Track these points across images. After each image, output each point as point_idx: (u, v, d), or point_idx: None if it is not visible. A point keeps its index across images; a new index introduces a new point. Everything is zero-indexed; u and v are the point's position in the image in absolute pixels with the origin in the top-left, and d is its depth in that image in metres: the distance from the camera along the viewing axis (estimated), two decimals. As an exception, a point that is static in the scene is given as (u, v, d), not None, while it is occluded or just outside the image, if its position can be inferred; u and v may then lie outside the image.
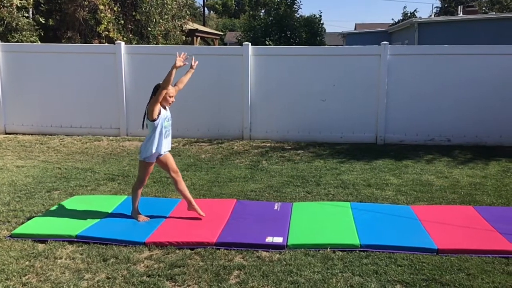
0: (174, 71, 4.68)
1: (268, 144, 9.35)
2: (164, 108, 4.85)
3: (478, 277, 3.69)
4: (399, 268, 3.84)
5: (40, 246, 4.28)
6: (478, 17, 18.47)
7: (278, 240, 4.33)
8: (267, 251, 4.17)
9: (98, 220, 4.84)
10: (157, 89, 4.76)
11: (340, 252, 4.13)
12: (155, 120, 4.73)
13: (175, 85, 4.99)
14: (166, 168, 4.90)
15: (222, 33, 35.53)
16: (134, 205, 4.90)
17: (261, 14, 25.22)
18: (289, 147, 9.11)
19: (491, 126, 9.28)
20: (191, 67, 5.19)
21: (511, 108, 9.21)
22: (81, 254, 4.12)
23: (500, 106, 9.23)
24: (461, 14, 21.84)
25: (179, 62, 4.75)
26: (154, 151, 4.75)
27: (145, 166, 4.84)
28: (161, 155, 4.82)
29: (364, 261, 3.97)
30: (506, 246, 4.19)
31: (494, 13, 26.94)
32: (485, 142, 9.27)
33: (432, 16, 30.10)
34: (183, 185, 4.95)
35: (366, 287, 3.53)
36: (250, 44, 9.78)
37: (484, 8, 32.84)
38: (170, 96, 4.84)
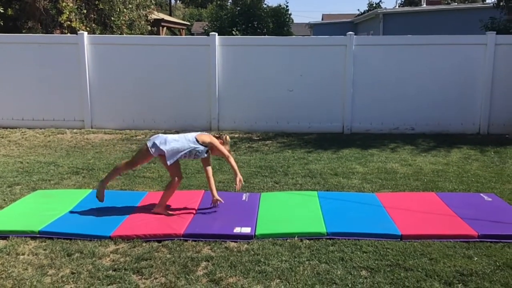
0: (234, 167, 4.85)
1: (237, 135, 9.33)
2: (208, 151, 4.83)
3: (440, 261, 3.79)
4: (364, 254, 3.92)
5: (1, 243, 4.16)
6: (441, 8, 18.88)
7: (246, 230, 4.34)
8: (235, 242, 4.17)
9: (62, 214, 4.73)
10: (221, 137, 4.93)
11: (307, 241, 4.17)
12: (199, 144, 4.72)
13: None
14: (170, 171, 4.82)
15: (189, 23, 35.11)
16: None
17: (228, 4, 25.06)
18: (258, 138, 9.12)
19: (453, 114, 9.54)
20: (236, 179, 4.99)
21: (472, 96, 9.50)
22: (45, 250, 4.02)
23: (462, 94, 9.50)
24: (425, 5, 22.29)
25: (239, 185, 4.85)
26: (169, 149, 4.64)
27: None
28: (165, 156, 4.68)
29: (331, 248, 4.03)
30: (467, 230, 4.32)
31: (456, 4, 27.58)
32: (447, 130, 9.53)
33: (397, 7, 30.56)
34: (173, 191, 4.84)
35: (332, 274, 3.58)
36: (216, 34, 9.71)
37: (447, -1, 33.53)
38: (217, 153, 4.90)
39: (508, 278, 3.51)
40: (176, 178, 4.81)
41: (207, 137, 4.82)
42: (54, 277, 3.57)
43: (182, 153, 4.70)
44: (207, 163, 4.91)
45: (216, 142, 4.82)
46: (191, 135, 4.82)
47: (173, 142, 4.70)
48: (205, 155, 4.84)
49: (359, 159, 7.33)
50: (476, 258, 3.84)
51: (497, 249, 4.01)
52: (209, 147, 4.81)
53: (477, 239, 4.18)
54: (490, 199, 5.26)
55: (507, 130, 9.39)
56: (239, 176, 4.84)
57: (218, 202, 4.89)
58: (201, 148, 4.76)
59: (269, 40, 10.49)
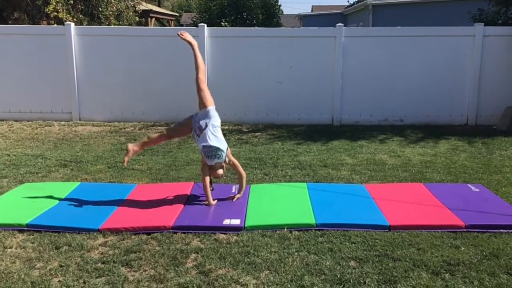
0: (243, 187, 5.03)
1: (226, 127, 9.31)
2: (215, 164, 4.80)
3: (428, 251, 3.83)
4: (353, 245, 3.94)
5: (-12, 236, 4.12)
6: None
7: (236, 222, 4.34)
8: (224, 234, 4.17)
9: (50, 207, 4.69)
10: None
11: (297, 232, 4.19)
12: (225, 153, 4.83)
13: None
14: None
15: (177, 14, 34.82)
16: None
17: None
18: (247, 130, 9.11)
19: (441, 106, 9.60)
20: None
21: (461, 88, 9.56)
22: (32, 243, 3.99)
23: (450, 86, 9.56)
24: (414, -3, 22.25)
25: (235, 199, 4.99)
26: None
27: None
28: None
29: (320, 239, 4.05)
30: (454, 221, 4.36)
31: (445, -5, 27.60)
32: (435, 121, 9.59)
33: (386, -2, 30.53)
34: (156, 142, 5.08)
35: (321, 265, 3.60)
36: (205, 25, 9.64)
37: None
38: (215, 172, 4.85)
39: (495, 268, 3.56)
40: (165, 135, 5.10)
41: (230, 154, 4.93)
42: (42, 270, 3.55)
43: (215, 148, 4.70)
44: (206, 172, 4.84)
45: (236, 162, 4.98)
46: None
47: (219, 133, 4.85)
48: (213, 163, 4.77)
49: (348, 151, 7.35)
50: (463, 248, 3.88)
51: (484, 239, 4.06)
52: (227, 162, 4.84)
53: (464, 229, 4.23)
54: (477, 190, 5.32)
55: (494, 121, 9.48)
56: (241, 195, 5.01)
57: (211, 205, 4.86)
58: (224, 157, 4.77)
59: (258, 32, 10.45)
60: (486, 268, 3.55)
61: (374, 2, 18.99)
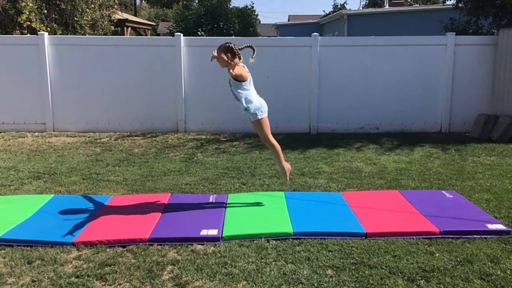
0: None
1: (204, 137, 9.28)
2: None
3: (403, 258, 3.87)
4: (330, 253, 3.95)
5: (-43, 252, 3.99)
6: (403, 9, 19.30)
7: (213, 232, 4.31)
8: (201, 244, 4.14)
9: (22, 221, 4.58)
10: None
11: (274, 241, 4.18)
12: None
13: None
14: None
15: (154, 24, 34.68)
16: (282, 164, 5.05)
17: (195, 4, 24.73)
18: (225, 139, 9.09)
19: (415, 113, 9.77)
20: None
21: (434, 96, 9.75)
22: (4, 258, 3.89)
23: (424, 94, 9.74)
24: (388, 6, 22.73)
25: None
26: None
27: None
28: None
29: (297, 248, 4.05)
30: (429, 227, 4.42)
31: (418, 5, 28.25)
32: (410, 129, 9.75)
33: (361, 8, 31.09)
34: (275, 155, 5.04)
35: (299, 274, 3.60)
36: (182, 34, 9.63)
37: (409, 0, 34.32)
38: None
39: (468, 273, 3.61)
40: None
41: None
42: (14, 286, 3.45)
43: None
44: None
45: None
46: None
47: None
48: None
49: (325, 159, 7.40)
50: (437, 254, 3.93)
51: (458, 244, 4.12)
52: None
53: (439, 236, 4.29)
54: (451, 196, 5.41)
55: (467, 128, 9.68)
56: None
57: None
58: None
59: (235, 41, 10.45)
60: (460, 274, 3.60)
61: (349, 12, 19.29)
